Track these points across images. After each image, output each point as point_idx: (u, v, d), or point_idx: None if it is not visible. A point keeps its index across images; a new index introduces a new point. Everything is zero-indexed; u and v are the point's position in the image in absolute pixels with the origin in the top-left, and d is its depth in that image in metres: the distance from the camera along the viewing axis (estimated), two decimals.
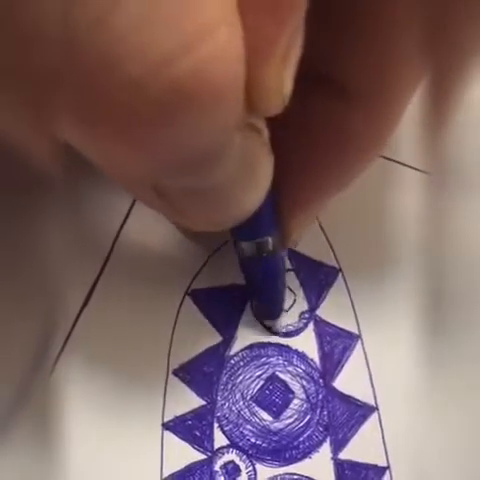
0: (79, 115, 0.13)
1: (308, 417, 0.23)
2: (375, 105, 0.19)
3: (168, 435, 0.23)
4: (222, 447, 0.23)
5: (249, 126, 0.15)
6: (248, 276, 0.23)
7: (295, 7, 0.13)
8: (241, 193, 0.16)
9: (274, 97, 0.14)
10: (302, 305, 0.24)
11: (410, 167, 0.25)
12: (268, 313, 0.24)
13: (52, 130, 0.13)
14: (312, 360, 0.23)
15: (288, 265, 0.24)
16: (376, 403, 0.23)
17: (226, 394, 0.23)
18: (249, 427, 0.23)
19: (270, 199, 0.18)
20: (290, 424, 0.23)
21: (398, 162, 0.25)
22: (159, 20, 0.12)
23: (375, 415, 0.23)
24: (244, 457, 0.23)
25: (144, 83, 0.12)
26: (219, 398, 0.23)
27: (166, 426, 0.23)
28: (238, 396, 0.23)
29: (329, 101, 0.19)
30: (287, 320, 0.24)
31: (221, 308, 0.24)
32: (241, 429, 0.23)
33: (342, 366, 0.23)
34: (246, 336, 0.23)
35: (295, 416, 0.23)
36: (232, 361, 0.23)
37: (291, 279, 0.24)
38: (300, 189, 0.20)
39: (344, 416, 0.23)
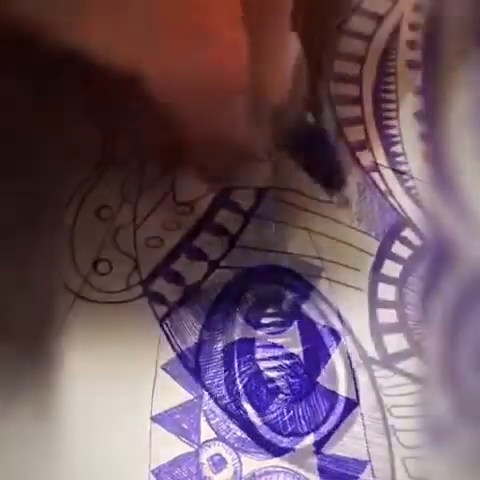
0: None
1: (292, 412, 0.24)
2: None
3: (156, 428, 0.23)
4: (209, 440, 0.23)
5: None
6: (299, 142, 0.23)
7: None
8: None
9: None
10: (287, 303, 0.24)
11: (401, 173, 0.25)
12: (328, 179, 0.24)
13: None
14: (297, 356, 0.24)
15: None
16: (358, 398, 0.23)
17: (213, 389, 0.24)
18: (235, 421, 0.23)
19: None
20: (275, 418, 0.24)
21: (393, 169, 0.26)
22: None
23: (357, 409, 0.23)
24: (230, 450, 0.23)
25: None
26: (206, 392, 0.24)
27: (154, 419, 0.23)
28: (224, 391, 0.24)
29: None
30: (273, 317, 0.24)
31: None
32: (227, 423, 0.23)
33: (325, 362, 0.24)
34: (233, 332, 0.24)
35: (280, 410, 0.24)
36: (219, 356, 0.24)
37: None
38: None
39: (327, 411, 0.23)
